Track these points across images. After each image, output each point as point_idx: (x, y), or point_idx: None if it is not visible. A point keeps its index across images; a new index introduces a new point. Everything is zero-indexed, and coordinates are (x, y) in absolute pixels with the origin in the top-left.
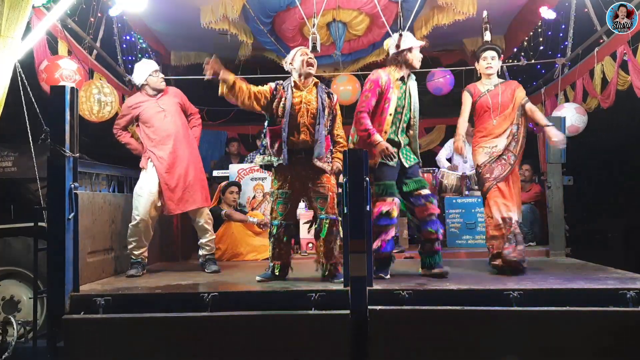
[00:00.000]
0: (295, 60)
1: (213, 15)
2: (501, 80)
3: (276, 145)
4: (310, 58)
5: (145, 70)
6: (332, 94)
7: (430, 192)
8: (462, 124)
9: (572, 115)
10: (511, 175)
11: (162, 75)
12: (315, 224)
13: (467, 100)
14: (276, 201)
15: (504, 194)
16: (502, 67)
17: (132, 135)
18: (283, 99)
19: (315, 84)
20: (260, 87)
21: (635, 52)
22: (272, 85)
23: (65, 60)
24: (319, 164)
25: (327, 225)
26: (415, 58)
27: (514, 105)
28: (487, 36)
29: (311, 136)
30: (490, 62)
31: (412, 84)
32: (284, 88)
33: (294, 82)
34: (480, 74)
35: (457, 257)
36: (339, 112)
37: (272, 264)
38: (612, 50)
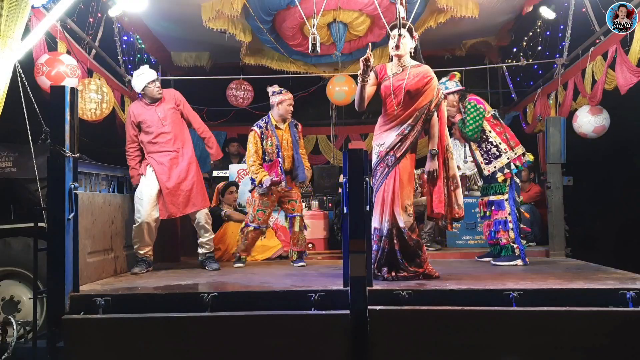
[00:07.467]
0: (282, 106)
1: (213, 12)
2: (415, 63)
3: (273, 175)
4: (291, 105)
5: (142, 80)
6: (297, 125)
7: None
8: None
9: (590, 119)
10: (394, 180)
11: (159, 85)
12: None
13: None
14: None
15: (383, 203)
16: (502, 67)
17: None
18: (270, 139)
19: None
20: (254, 147)
21: (628, 52)
22: (257, 131)
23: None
24: (298, 185)
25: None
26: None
27: (419, 100)
28: (401, 12)
29: (292, 164)
30: (395, 41)
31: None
32: (266, 129)
33: (274, 125)
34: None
35: (457, 257)
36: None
37: None
38: (605, 49)
